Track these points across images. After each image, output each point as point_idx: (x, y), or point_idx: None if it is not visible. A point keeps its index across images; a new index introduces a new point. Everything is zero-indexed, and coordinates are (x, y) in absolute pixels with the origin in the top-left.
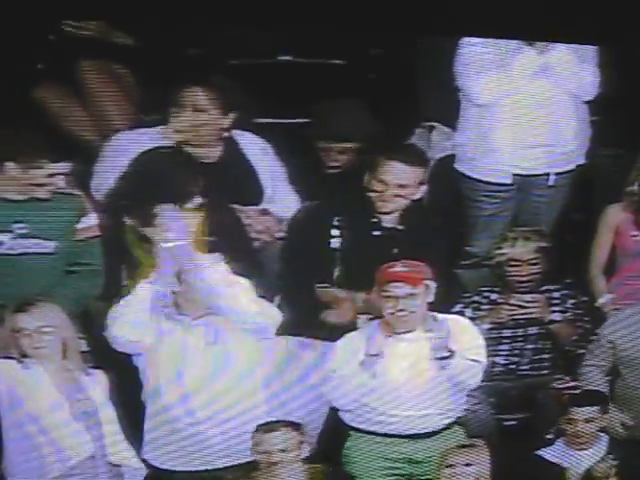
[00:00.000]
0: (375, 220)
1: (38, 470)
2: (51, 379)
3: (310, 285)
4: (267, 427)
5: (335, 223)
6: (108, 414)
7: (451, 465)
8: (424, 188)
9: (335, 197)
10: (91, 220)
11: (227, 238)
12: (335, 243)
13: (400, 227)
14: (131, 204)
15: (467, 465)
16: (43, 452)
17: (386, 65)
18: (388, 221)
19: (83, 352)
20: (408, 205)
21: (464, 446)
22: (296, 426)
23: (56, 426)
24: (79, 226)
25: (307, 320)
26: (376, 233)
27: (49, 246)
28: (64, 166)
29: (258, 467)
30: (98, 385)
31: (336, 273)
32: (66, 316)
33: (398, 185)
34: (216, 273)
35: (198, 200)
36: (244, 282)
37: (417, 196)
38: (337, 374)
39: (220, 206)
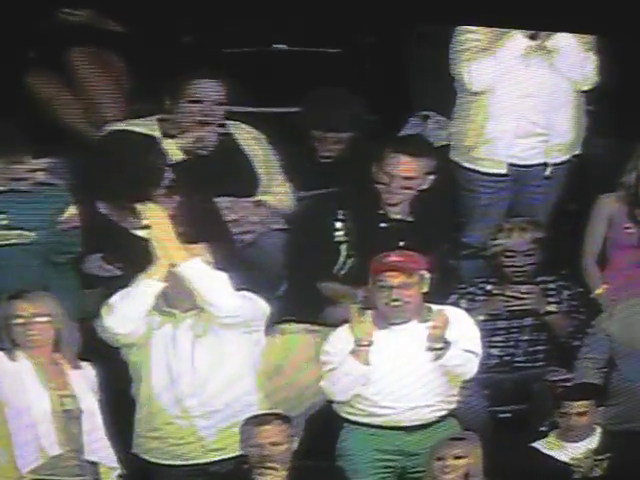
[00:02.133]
0: (382, 212)
1: (15, 461)
2: (38, 373)
3: (314, 278)
4: (257, 420)
5: (340, 216)
6: (91, 412)
7: (441, 458)
8: (432, 178)
9: (339, 189)
10: (73, 210)
11: (207, 230)
12: (339, 236)
13: (409, 219)
14: (105, 192)
15: (457, 458)
16: (21, 445)
17: (380, 53)
18: (396, 212)
19: (75, 345)
20: (416, 196)
21: (454, 439)
22: (285, 419)
23: (37, 421)
24: (62, 217)
25: (309, 312)
26: (383, 225)
27: (32, 237)
28: (46, 161)
29: (248, 461)
30: (85, 381)
31: (340, 266)
32: (61, 307)
33: (405, 177)
34: (193, 266)
35: (172, 189)
36: (222, 275)
37: (425, 186)
38: (331, 364)
39: (202, 198)
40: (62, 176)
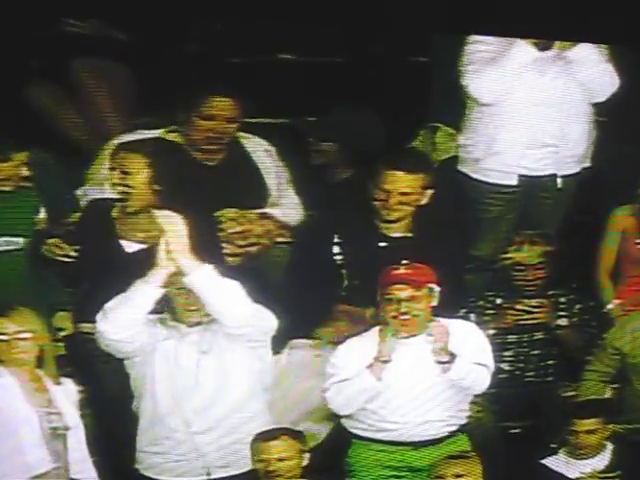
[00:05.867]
0: (380, 231)
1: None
2: (22, 390)
3: (318, 300)
4: (266, 435)
5: (340, 236)
6: (76, 429)
7: (441, 476)
8: (430, 192)
9: (340, 207)
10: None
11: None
12: (341, 257)
13: (410, 235)
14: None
15: (457, 477)
16: (7, 462)
17: (389, 64)
18: (395, 230)
19: (58, 358)
20: (415, 212)
21: (454, 457)
22: (295, 434)
23: (23, 438)
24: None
25: (310, 327)
26: (382, 244)
27: (19, 242)
28: (26, 155)
29: (257, 476)
30: (67, 397)
31: (344, 289)
32: (43, 322)
33: (401, 193)
34: (203, 274)
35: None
36: (234, 284)
37: (423, 201)
38: (339, 378)
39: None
40: (36, 175)
